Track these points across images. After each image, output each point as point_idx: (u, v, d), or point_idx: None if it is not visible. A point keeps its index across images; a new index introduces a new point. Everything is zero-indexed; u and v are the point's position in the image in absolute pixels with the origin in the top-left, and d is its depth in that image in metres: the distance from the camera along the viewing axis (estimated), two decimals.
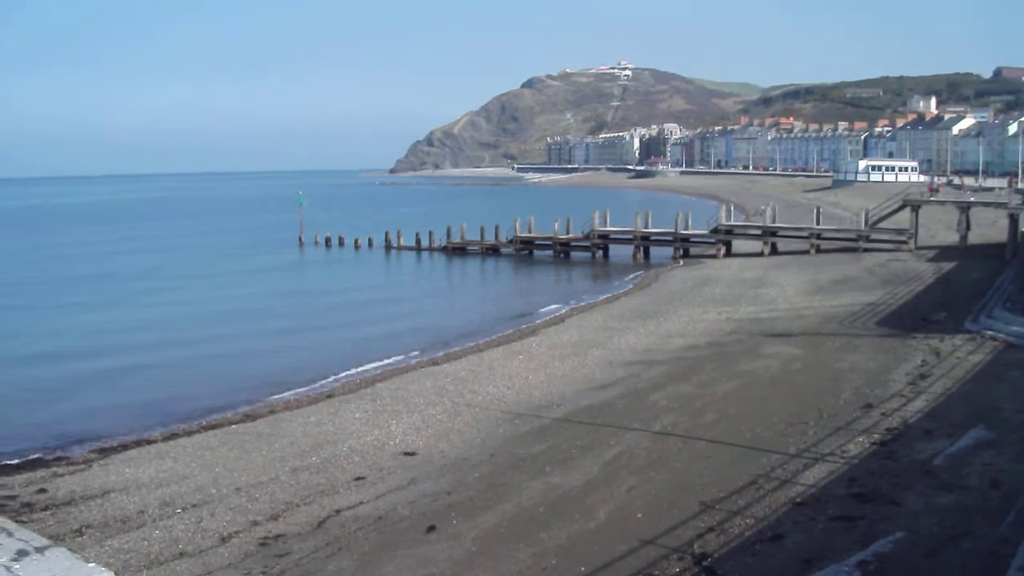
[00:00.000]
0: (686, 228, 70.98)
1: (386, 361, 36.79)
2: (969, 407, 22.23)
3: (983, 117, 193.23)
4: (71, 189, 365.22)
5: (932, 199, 71.75)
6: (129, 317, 51.00)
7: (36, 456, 24.59)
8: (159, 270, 74.54)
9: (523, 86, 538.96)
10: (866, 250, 62.49)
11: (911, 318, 37.12)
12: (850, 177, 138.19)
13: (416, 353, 38.27)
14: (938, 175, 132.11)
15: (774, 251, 66.44)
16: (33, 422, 28.72)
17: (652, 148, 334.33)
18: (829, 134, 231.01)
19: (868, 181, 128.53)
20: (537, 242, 76.33)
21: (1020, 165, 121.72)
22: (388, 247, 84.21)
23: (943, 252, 58.39)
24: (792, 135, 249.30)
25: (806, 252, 64.41)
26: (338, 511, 18.82)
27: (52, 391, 33.42)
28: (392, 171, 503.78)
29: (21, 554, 4.38)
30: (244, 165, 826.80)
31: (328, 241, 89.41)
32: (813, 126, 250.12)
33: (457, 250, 78.88)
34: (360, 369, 35.36)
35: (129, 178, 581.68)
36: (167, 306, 55.09)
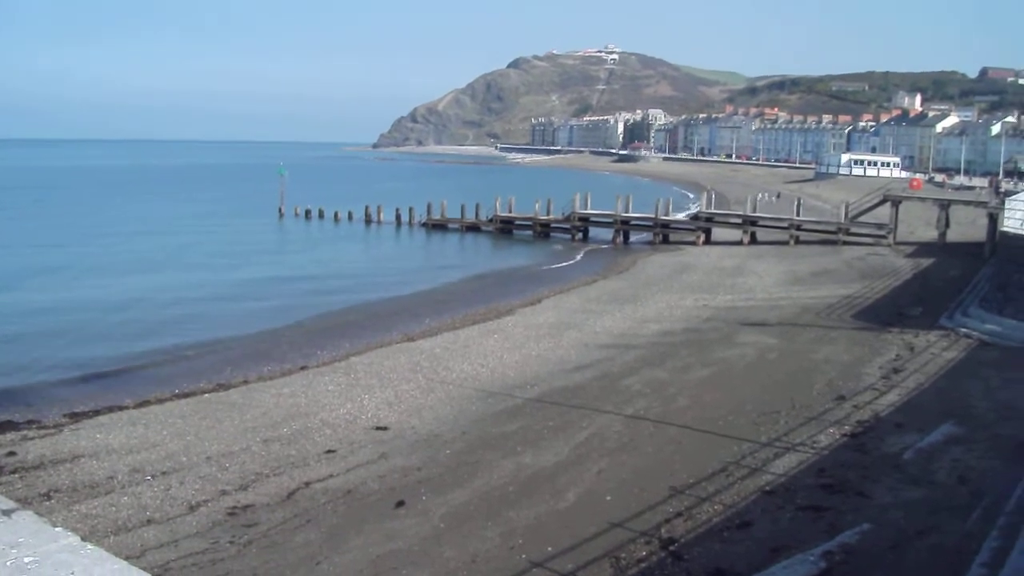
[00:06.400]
0: (666, 214, 71.11)
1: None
2: (941, 403, 22.34)
3: (967, 116, 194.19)
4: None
5: (913, 195, 72.03)
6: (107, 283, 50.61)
7: (6, 419, 24.31)
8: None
9: (509, 66, 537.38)
10: (845, 243, 62.75)
11: (887, 312, 37.27)
12: (832, 170, 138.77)
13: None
14: (920, 172, 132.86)
15: (754, 240, 66.61)
16: (3, 385, 28.46)
17: (636, 133, 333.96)
18: (813, 126, 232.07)
19: (850, 175, 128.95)
20: (517, 222, 76.31)
21: (1002, 165, 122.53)
22: (368, 221, 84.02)
23: (921, 248, 58.69)
24: (776, 126, 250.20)
25: (785, 243, 64.59)
26: (307, 483, 18.75)
27: (21, 353, 33.14)
28: (375, 146, 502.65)
29: None
30: (226, 135, 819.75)
31: (308, 213, 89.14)
32: (797, 118, 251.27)
33: (437, 227, 78.92)
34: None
35: (95, 143, 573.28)
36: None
